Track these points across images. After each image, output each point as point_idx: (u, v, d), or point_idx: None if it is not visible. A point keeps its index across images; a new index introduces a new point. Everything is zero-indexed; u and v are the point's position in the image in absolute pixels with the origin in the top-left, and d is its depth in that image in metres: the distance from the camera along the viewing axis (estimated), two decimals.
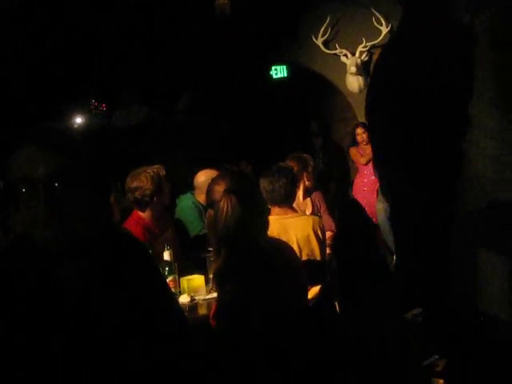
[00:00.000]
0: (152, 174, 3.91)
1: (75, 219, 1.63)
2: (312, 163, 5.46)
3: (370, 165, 6.56)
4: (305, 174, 5.27)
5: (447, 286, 2.35)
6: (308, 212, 5.18)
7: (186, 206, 4.78)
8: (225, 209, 2.25)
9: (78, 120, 7.06)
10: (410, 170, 2.42)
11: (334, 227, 5.36)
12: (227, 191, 2.28)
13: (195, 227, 4.61)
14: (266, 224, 2.42)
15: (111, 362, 1.61)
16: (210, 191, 2.37)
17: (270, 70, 8.40)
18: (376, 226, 6.60)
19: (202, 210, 4.66)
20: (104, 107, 7.33)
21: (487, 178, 1.57)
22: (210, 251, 3.60)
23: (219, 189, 2.31)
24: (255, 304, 2.21)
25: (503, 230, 1.74)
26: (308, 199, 5.36)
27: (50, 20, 6.49)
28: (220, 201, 2.28)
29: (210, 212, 2.35)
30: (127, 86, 7.13)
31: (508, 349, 1.99)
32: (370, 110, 2.54)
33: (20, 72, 6.52)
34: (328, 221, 5.26)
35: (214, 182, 2.40)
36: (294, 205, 4.00)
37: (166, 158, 5.24)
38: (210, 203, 2.35)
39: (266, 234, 2.42)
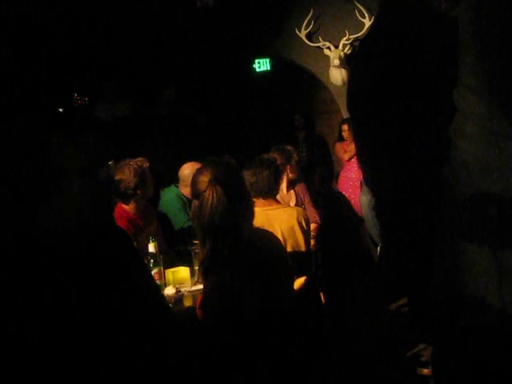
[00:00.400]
0: (135, 166, 3.89)
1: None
2: (295, 155, 5.48)
3: (354, 160, 6.57)
4: (288, 166, 5.29)
5: (431, 275, 2.35)
6: (292, 204, 5.20)
7: (169, 198, 4.78)
8: (210, 198, 2.24)
9: None
10: (394, 160, 2.41)
11: (318, 219, 5.37)
12: (212, 181, 2.27)
13: (179, 220, 4.60)
14: (251, 213, 2.41)
15: (99, 353, 1.60)
16: (195, 181, 2.36)
17: (253, 63, 8.39)
18: (359, 218, 6.63)
19: (186, 202, 4.66)
20: (86, 100, 7.26)
21: (474, 166, 1.57)
22: (195, 244, 3.60)
23: (204, 179, 2.30)
24: (244, 293, 2.20)
25: (487, 221, 1.74)
26: (292, 191, 5.38)
27: (30, 12, 6.43)
28: (205, 191, 2.27)
29: (196, 202, 2.34)
30: (110, 79, 7.07)
31: (491, 335, 2.00)
32: (351, 100, 2.54)
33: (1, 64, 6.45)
34: (312, 213, 5.27)
35: (198, 172, 2.39)
36: (278, 197, 4.00)
37: (149, 151, 5.21)
38: (196, 193, 2.34)
39: (252, 223, 2.41)
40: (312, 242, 4.24)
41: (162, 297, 1.93)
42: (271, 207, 3.67)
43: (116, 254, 1.69)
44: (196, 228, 2.37)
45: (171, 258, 3.80)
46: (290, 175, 5.37)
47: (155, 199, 4.67)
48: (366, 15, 6.84)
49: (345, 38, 7.09)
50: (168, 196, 4.82)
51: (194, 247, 3.38)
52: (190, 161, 4.80)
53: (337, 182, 7.15)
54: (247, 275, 2.26)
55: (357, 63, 2.46)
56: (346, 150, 6.89)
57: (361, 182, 6.32)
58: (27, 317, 1.52)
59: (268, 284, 2.30)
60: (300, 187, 5.50)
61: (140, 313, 1.70)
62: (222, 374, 2.27)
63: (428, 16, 2.47)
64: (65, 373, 1.56)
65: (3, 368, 1.52)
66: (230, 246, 2.25)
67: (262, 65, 8.39)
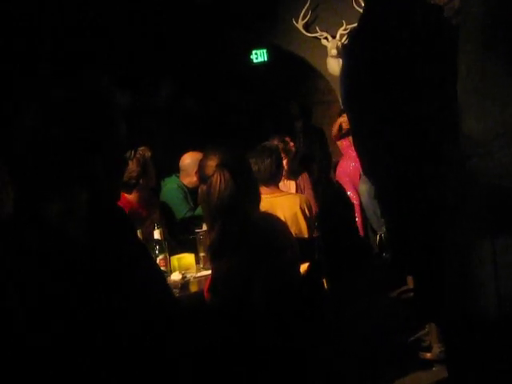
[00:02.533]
0: (138, 156, 3.90)
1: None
2: (289, 146, 5.48)
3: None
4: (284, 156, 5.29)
5: (434, 261, 2.36)
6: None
7: (170, 188, 4.77)
8: (218, 183, 2.27)
9: None
10: (393, 146, 2.42)
11: (315, 209, 5.38)
12: (220, 166, 2.30)
13: (180, 210, 4.60)
14: (258, 198, 2.44)
15: (102, 348, 1.57)
16: (202, 166, 2.39)
17: (251, 54, 8.39)
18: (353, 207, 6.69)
19: (187, 192, 4.67)
20: None
21: (473, 139, 1.57)
22: (197, 233, 3.63)
23: (212, 163, 2.33)
24: (251, 276, 2.23)
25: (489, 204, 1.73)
26: (292, 182, 5.38)
27: (27, 6, 6.42)
28: (213, 175, 2.29)
29: (203, 187, 2.36)
30: (106, 72, 7.06)
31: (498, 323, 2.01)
32: (348, 89, 2.54)
33: None
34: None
35: (206, 157, 2.41)
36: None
37: (148, 142, 5.22)
38: (203, 178, 2.36)
39: (259, 208, 2.44)
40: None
41: (168, 286, 1.93)
42: (274, 195, 3.69)
43: (121, 241, 1.68)
44: (204, 212, 2.40)
45: (173, 247, 3.81)
46: (285, 167, 5.38)
47: (157, 189, 4.68)
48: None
49: (342, 28, 7.10)
50: (169, 186, 4.82)
51: (199, 234, 3.40)
52: (189, 151, 4.81)
53: (335, 171, 7.16)
54: (255, 259, 2.28)
55: (351, 55, 2.45)
56: (344, 141, 6.86)
57: (360, 172, 6.35)
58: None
59: (275, 268, 2.32)
60: (303, 178, 5.49)
61: (147, 303, 1.69)
62: (228, 359, 2.29)
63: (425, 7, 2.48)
64: (64, 371, 1.52)
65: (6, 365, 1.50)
66: (237, 229, 2.27)
67: (259, 56, 8.40)
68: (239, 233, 2.28)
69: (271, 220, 2.49)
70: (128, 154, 3.87)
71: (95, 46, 6.87)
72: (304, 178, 5.49)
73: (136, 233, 1.85)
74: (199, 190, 2.41)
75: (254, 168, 3.63)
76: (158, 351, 1.67)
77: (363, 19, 2.45)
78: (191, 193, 4.64)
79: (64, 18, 6.67)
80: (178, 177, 4.80)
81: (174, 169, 4.88)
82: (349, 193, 6.79)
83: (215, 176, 2.28)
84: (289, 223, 3.60)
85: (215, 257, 2.32)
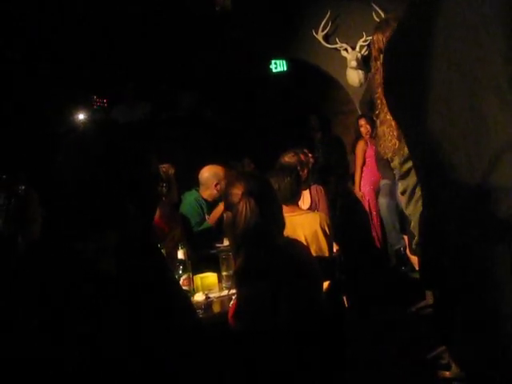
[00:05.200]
0: (161, 173, 3.94)
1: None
2: (309, 157, 5.48)
3: (373, 160, 6.57)
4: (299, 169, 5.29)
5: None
6: (305, 206, 5.20)
7: (187, 202, 4.82)
8: (244, 211, 2.31)
9: (81, 116, 7.09)
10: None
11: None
12: (245, 193, 2.34)
13: (194, 222, 4.64)
14: (282, 223, 2.48)
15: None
16: (227, 194, 2.43)
17: (270, 64, 8.43)
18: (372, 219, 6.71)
19: (203, 206, 4.71)
20: (106, 102, 7.34)
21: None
22: (218, 247, 3.66)
23: (237, 191, 2.37)
24: (277, 301, 2.27)
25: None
26: (306, 192, 5.35)
27: (51, 14, 6.51)
28: (239, 203, 2.33)
29: (229, 213, 2.41)
30: (128, 81, 7.14)
31: None
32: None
33: (20, 69, 6.53)
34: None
35: (231, 184, 2.45)
36: None
37: (167, 153, 5.27)
38: (229, 205, 2.40)
39: (283, 232, 2.48)
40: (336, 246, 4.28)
41: (194, 314, 1.97)
42: (294, 213, 3.72)
43: (152, 271, 1.73)
44: (229, 238, 2.44)
45: (194, 263, 3.85)
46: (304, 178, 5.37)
47: (179, 204, 4.74)
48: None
49: (362, 40, 7.13)
50: (187, 200, 4.86)
51: (221, 253, 3.44)
52: (209, 164, 4.86)
53: (353, 183, 7.17)
54: (280, 283, 2.32)
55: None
56: (367, 149, 6.86)
57: (379, 185, 6.39)
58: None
59: (299, 292, 2.37)
60: (317, 190, 5.48)
61: (172, 330, 1.74)
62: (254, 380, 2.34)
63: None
64: None
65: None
66: (263, 255, 2.32)
67: (278, 65, 8.43)
68: (265, 259, 2.32)
69: (295, 245, 2.53)
70: None
71: (117, 57, 6.95)
72: (318, 190, 5.47)
73: (163, 261, 1.89)
74: (224, 217, 2.46)
75: (275, 187, 3.67)
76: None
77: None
78: (208, 205, 4.70)
79: (88, 27, 6.76)
80: (198, 190, 4.84)
81: (195, 182, 4.92)
82: (371, 203, 6.81)
83: (241, 204, 2.32)
84: (309, 241, 3.64)
85: (241, 282, 2.36)
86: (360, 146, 6.98)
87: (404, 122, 1.72)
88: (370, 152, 6.78)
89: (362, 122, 6.85)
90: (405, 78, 1.60)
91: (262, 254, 2.32)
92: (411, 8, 1.61)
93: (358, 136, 7.04)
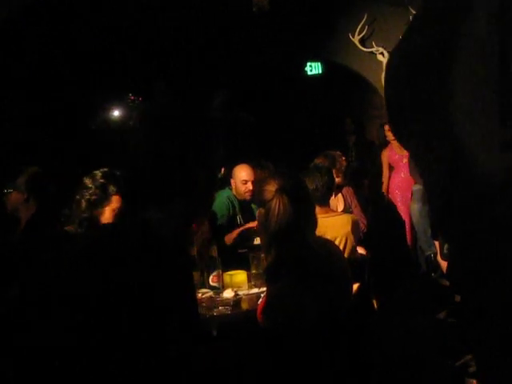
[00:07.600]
0: None
1: None
2: (342, 160, 5.47)
3: (405, 164, 6.54)
4: (333, 171, 5.29)
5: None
6: (340, 208, 5.21)
7: (219, 200, 4.84)
8: (277, 208, 2.31)
9: (116, 113, 7.17)
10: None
11: (364, 224, 5.37)
12: (279, 191, 2.34)
13: (221, 219, 4.68)
14: (315, 223, 2.48)
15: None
16: (261, 191, 2.44)
17: (305, 66, 8.43)
18: (404, 224, 6.65)
19: (234, 204, 4.74)
20: (140, 100, 7.41)
21: None
22: (250, 246, 3.67)
23: (271, 188, 2.38)
24: (306, 300, 2.28)
25: None
26: (340, 195, 5.37)
27: (88, 13, 6.60)
28: (272, 200, 2.34)
29: (261, 210, 2.41)
30: (159, 80, 7.19)
31: None
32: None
33: (58, 67, 6.64)
34: (359, 217, 5.28)
35: (264, 181, 2.46)
36: None
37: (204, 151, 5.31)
38: (261, 202, 2.41)
39: (315, 232, 2.49)
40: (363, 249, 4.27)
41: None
42: (326, 214, 3.71)
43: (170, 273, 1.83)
44: (261, 235, 2.45)
45: (224, 261, 3.87)
46: (336, 180, 5.37)
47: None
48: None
49: None
50: (219, 199, 4.89)
51: (251, 252, 3.46)
52: (242, 162, 4.89)
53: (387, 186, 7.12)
54: (310, 282, 2.33)
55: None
56: (393, 154, 6.83)
57: (412, 190, 6.33)
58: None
59: (329, 291, 2.37)
60: (348, 191, 5.48)
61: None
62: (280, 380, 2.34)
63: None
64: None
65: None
66: (294, 254, 2.33)
67: (313, 68, 8.44)
68: (295, 257, 2.33)
69: (327, 245, 2.53)
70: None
71: (153, 55, 7.02)
72: (349, 192, 5.47)
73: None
74: (257, 214, 2.47)
75: (312, 187, 3.66)
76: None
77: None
78: (242, 204, 4.73)
79: (124, 25, 6.84)
80: (231, 189, 4.87)
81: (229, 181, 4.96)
82: (399, 208, 6.77)
83: (274, 201, 2.33)
84: (340, 244, 3.64)
85: (271, 280, 2.38)
86: (384, 152, 6.99)
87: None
88: (396, 157, 6.77)
89: (387, 127, 6.82)
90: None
91: (292, 253, 2.32)
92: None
93: (383, 142, 7.02)
